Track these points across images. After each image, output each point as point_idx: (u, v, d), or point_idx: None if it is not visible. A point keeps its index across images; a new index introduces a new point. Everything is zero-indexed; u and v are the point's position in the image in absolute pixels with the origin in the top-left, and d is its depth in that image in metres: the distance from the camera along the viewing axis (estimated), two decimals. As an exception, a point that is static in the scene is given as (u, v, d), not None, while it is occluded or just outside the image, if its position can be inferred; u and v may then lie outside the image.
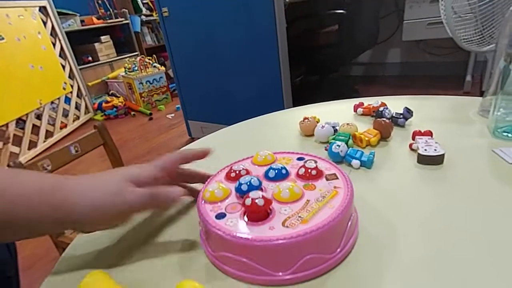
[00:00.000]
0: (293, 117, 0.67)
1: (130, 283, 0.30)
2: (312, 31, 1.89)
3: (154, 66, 3.04)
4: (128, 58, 3.18)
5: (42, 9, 2.41)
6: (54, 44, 2.51)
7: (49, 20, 2.47)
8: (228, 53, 1.56)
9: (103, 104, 2.90)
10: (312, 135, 0.56)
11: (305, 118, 0.59)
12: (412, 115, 0.54)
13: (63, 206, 0.29)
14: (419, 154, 0.42)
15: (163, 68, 3.11)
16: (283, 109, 1.67)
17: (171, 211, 0.41)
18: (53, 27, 2.51)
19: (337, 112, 0.66)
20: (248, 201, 0.29)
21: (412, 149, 0.46)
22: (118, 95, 3.13)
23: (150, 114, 2.75)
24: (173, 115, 2.71)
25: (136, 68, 2.95)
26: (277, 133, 0.62)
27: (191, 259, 0.32)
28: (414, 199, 0.37)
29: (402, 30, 2.10)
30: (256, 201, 0.28)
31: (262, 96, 1.53)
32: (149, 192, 0.31)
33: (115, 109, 2.88)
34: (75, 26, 3.01)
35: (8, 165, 0.72)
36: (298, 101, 1.59)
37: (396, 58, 2.63)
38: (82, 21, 3.11)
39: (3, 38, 1.99)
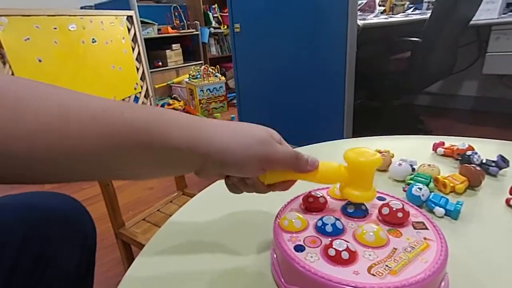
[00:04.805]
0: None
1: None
2: (381, 56, 1.82)
3: (216, 76, 3.20)
4: (193, 66, 3.40)
5: (129, 18, 2.71)
6: (133, 49, 2.79)
7: (133, 27, 2.76)
8: (293, 72, 1.58)
9: (165, 106, 3.12)
10: (385, 170, 0.53)
11: (378, 152, 0.56)
12: (508, 165, 0.48)
13: (206, 138, 0.27)
14: (521, 213, 0.37)
15: (223, 78, 3.25)
16: (342, 132, 1.60)
17: (243, 229, 0.41)
18: (135, 34, 2.80)
19: (413, 149, 0.62)
20: (331, 252, 0.28)
21: (509, 205, 0.41)
22: (179, 99, 3.34)
23: (206, 120, 2.89)
24: (227, 124, 2.80)
25: (199, 76, 3.13)
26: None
27: (259, 286, 0.32)
28: (515, 266, 0.32)
29: (484, 62, 1.92)
30: (342, 254, 0.27)
31: (321, 118, 1.51)
32: (296, 152, 0.30)
33: (175, 112, 3.08)
34: (152, 34, 3.33)
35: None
36: (357, 126, 1.53)
37: (471, 91, 2.41)
38: (158, 30, 3.43)
39: (95, 41, 2.28)
